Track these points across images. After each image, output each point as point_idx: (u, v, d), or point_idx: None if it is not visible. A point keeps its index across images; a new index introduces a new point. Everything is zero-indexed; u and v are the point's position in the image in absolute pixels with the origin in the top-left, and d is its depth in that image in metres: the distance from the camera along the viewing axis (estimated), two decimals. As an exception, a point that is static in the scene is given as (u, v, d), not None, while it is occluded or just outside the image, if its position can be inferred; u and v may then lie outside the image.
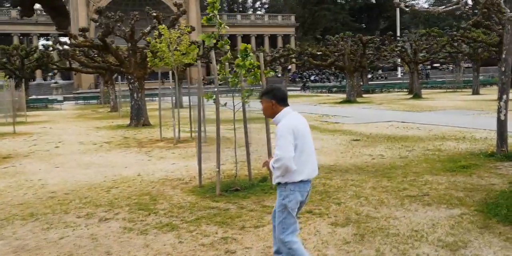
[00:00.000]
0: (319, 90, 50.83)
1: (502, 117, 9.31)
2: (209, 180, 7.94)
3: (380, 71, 72.52)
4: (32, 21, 62.83)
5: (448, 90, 43.42)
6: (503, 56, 9.36)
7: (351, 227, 5.19)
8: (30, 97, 42.20)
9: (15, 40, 60.42)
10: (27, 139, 15.56)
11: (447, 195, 6.45)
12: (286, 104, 3.81)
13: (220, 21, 6.96)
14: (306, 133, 3.71)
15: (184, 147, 12.19)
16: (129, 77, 18.39)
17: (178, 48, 12.37)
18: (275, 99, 3.77)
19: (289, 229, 3.70)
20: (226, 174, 8.41)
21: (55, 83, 58.43)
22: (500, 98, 9.37)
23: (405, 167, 8.50)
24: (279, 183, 3.74)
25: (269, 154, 7.31)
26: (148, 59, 13.03)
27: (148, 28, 17.61)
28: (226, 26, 7.09)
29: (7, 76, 23.86)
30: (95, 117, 25.48)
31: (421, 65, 52.39)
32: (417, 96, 33.04)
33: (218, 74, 7.20)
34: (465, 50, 36.77)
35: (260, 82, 7.07)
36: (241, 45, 6.71)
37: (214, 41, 6.69)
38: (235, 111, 7.12)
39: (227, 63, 7.13)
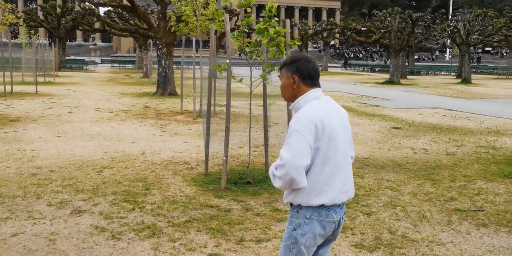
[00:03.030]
0: (361, 69, 48.63)
1: None
2: (219, 166, 6.81)
3: (437, 52, 69.07)
4: (75, -19, 62.37)
5: (499, 77, 40.57)
6: None
7: (381, 252, 3.96)
8: (67, 58, 42.06)
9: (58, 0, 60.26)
10: (45, 101, 14.85)
11: (507, 212, 5.09)
12: (315, 84, 2.44)
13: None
14: (338, 132, 2.36)
15: (204, 123, 11.07)
16: (157, 42, 17.29)
17: (203, 13, 11.11)
18: (299, 75, 2.42)
19: None
20: (241, 160, 7.28)
21: (94, 44, 58.28)
22: None
23: (453, 168, 7.11)
24: (291, 204, 2.47)
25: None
26: (171, 24, 11.84)
27: (180, -10, 16.32)
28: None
29: (37, 35, 23.18)
30: (124, 82, 24.74)
31: (471, 48, 49.22)
32: (466, 81, 30.78)
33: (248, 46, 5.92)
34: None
35: (284, 55, 5.76)
36: (267, 4, 5.32)
37: (232, 0, 5.41)
38: (253, 89, 5.89)
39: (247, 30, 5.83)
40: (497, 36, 38.02)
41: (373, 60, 58.61)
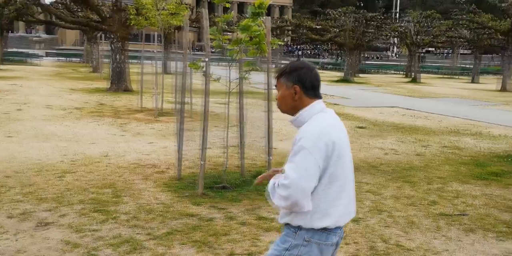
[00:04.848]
0: (312, 66, 49.03)
1: (541, 117, 7.94)
2: (190, 170, 6.45)
3: (387, 52, 70.89)
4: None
5: (444, 76, 42.15)
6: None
7: (379, 264, 3.79)
8: (7, 50, 39.74)
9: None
10: (-11, 97, 13.81)
11: (490, 216, 5.08)
12: (317, 95, 2.21)
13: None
14: (345, 149, 2.15)
15: (166, 122, 10.63)
16: (111, 36, 16.54)
17: (166, 7, 10.64)
18: (301, 85, 2.16)
19: None
20: (212, 163, 6.94)
21: (38, 37, 55.54)
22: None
23: (426, 169, 7.12)
24: (287, 224, 2.21)
25: (269, 140, 5.81)
26: (131, 17, 11.27)
27: (137, -18, 15.65)
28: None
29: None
30: (73, 77, 23.61)
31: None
32: (415, 80, 31.73)
33: (212, 40, 5.59)
34: (467, 35, 35.25)
35: (265, 54, 5.49)
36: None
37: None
38: (231, 89, 5.59)
39: (225, 26, 5.51)
40: (443, 37, 39.45)
41: (323, 58, 59.41)
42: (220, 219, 4.59)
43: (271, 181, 2.15)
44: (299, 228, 2.14)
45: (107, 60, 26.11)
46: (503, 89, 25.66)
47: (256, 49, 5.40)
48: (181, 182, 5.84)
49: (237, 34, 5.17)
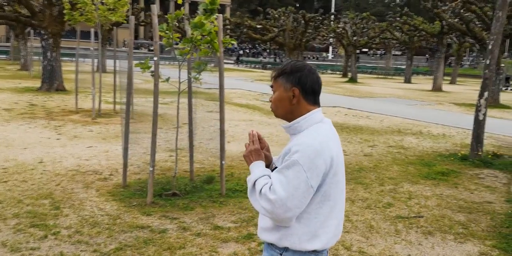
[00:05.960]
0: (253, 65, 49.19)
1: (481, 117, 8.21)
2: (136, 176, 6.05)
3: (325, 53, 71.92)
4: None
5: (379, 76, 43.60)
6: (490, 47, 8.16)
7: (346, 274, 3.63)
8: None
9: None
10: None
11: (444, 217, 5.10)
12: (317, 102, 1.99)
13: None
14: (341, 166, 1.95)
15: (105, 123, 10.04)
16: (42, 32, 15.51)
17: (104, 2, 10.05)
18: (301, 88, 1.94)
19: None
20: (158, 167, 6.55)
21: (-42, 32, 51.67)
22: (480, 95, 8.23)
23: (376, 170, 7.12)
24: (271, 244, 1.97)
25: (222, 144, 5.55)
26: (65, 12, 10.56)
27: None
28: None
29: None
30: (-1, 76, 22.04)
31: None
32: (352, 80, 32.46)
33: (161, 38, 5.22)
34: (400, 37, 36.67)
35: (218, 54, 5.21)
36: None
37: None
38: (181, 91, 5.25)
39: (176, 23, 5.16)
40: (378, 39, 40.79)
41: (264, 58, 59.77)
42: (173, 231, 4.26)
43: (253, 176, 1.88)
44: (285, 249, 1.91)
45: (37, 57, 24.68)
46: (435, 89, 26.86)
47: (208, 48, 5.12)
48: (127, 190, 5.43)
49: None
